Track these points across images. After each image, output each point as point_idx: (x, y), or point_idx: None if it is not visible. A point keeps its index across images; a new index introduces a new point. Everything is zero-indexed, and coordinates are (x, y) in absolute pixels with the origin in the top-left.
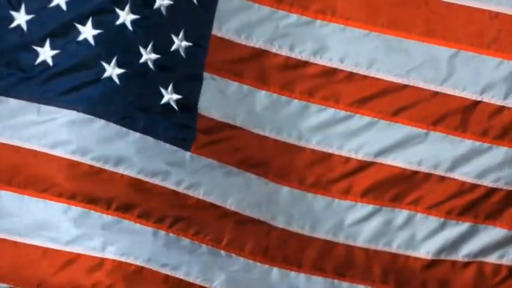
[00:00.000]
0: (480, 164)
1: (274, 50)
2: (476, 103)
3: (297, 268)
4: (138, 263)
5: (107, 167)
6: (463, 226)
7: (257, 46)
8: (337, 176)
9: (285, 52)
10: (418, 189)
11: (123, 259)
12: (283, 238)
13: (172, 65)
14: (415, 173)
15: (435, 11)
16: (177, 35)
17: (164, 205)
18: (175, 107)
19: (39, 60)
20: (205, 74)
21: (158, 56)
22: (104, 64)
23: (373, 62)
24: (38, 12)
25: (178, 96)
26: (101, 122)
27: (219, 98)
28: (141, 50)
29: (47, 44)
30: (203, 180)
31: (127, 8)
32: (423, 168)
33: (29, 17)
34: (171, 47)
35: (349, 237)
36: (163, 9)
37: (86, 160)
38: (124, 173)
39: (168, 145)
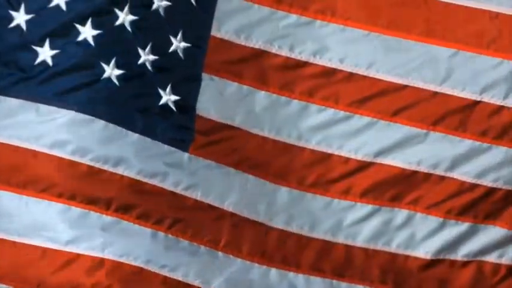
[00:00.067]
0: (480, 164)
1: (274, 51)
2: (475, 103)
3: (296, 269)
4: (138, 264)
5: (106, 167)
6: (463, 226)
7: (257, 47)
8: (337, 176)
9: (284, 52)
10: (418, 189)
11: (122, 260)
12: (282, 239)
13: (170, 66)
14: (415, 172)
15: (435, 11)
16: (175, 36)
17: (163, 206)
18: (174, 108)
19: (38, 60)
20: (204, 75)
21: (156, 57)
22: (103, 65)
23: (372, 62)
24: (37, 12)
25: (177, 97)
26: (100, 123)
27: (218, 99)
28: (140, 51)
29: (47, 44)
30: (201, 181)
31: (126, 8)
32: (423, 168)
33: (29, 16)
34: (169, 48)
35: (348, 237)
36: (161, 11)
37: (85, 160)
38: (124, 173)
39: (166, 146)
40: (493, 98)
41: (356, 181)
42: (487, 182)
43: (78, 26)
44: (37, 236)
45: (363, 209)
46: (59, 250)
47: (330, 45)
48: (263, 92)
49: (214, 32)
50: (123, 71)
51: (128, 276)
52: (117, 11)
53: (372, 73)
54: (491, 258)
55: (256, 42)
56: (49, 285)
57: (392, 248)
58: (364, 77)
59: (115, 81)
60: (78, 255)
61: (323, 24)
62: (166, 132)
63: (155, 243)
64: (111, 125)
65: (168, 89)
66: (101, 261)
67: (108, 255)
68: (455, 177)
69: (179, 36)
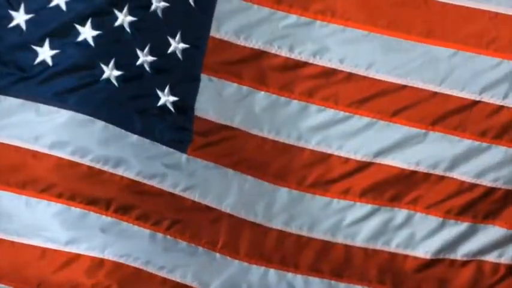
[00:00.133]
0: (479, 164)
1: (273, 51)
2: (475, 103)
3: (294, 269)
4: (137, 265)
5: (106, 168)
6: (462, 225)
7: (256, 47)
8: (336, 176)
9: (284, 53)
10: (417, 188)
11: (122, 260)
12: (280, 239)
13: (168, 67)
14: (414, 172)
15: (434, 12)
16: (173, 37)
17: (161, 207)
18: (172, 109)
19: (38, 60)
20: (203, 76)
21: (154, 58)
22: (103, 66)
23: (372, 62)
24: (37, 11)
25: (175, 98)
26: (100, 123)
27: (216, 100)
28: (138, 52)
29: (46, 43)
30: (199, 182)
31: (125, 9)
32: (422, 168)
33: (28, 16)
34: (167, 49)
35: (348, 237)
36: (159, 12)
37: (85, 161)
38: (123, 174)
39: (164, 147)
40: (492, 98)
41: (355, 181)
42: (487, 181)
43: (78, 27)
44: (36, 236)
45: (362, 208)
46: (59, 250)
47: (330, 45)
48: (263, 92)
49: (214, 33)
50: (122, 72)
51: (127, 277)
52: (116, 11)
53: (372, 73)
54: (491, 257)
55: (255, 43)
56: (49, 285)
57: (392, 247)
58: (364, 77)
59: (114, 82)
60: (78, 256)
61: (323, 24)
62: (164, 133)
63: (154, 244)
64: (110, 126)
65: (166, 90)
66: (101, 262)
67: (108, 255)
68: (454, 177)
69: (177, 37)
